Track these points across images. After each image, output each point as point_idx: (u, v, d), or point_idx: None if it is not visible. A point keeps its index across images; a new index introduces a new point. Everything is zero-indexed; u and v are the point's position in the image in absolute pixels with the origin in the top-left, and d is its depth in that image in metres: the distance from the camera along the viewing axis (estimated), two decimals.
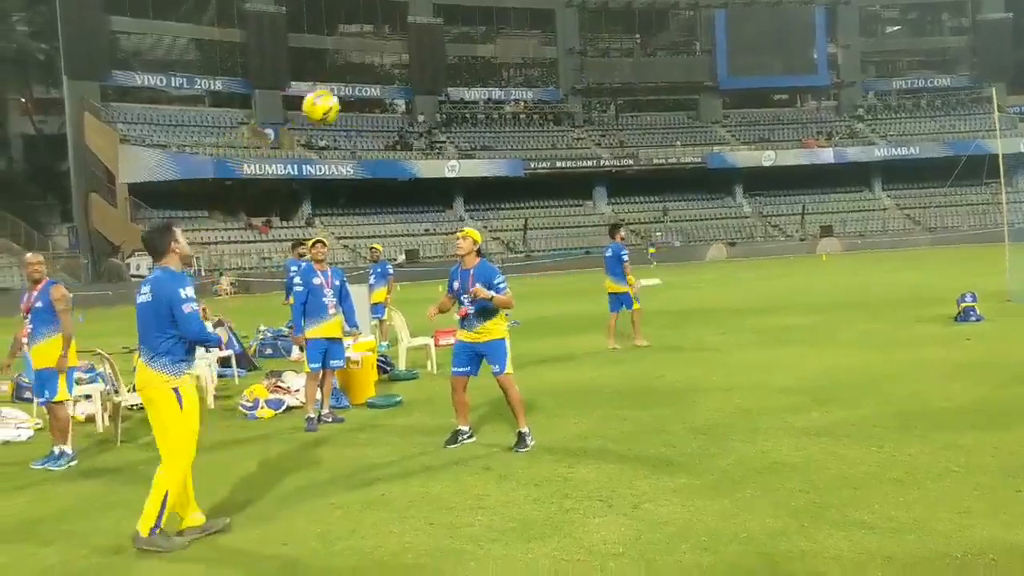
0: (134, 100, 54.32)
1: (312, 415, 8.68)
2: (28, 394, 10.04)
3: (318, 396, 8.87)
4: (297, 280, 8.89)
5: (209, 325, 12.09)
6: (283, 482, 6.70)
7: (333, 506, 5.95)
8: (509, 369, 7.31)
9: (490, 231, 55.04)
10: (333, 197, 52.75)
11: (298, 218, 52.43)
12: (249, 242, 47.99)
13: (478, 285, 7.14)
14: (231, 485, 6.71)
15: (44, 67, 58.76)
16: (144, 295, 5.49)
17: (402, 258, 46.55)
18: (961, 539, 4.71)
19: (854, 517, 5.13)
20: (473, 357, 7.39)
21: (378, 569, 4.78)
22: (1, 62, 58.99)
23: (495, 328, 7.35)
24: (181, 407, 5.40)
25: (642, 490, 5.88)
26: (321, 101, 7.63)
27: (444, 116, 60.86)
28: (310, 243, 9.24)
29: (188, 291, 5.42)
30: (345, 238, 50.20)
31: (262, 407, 9.40)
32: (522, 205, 57.18)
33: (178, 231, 5.65)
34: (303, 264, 12.89)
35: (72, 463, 7.64)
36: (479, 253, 7.48)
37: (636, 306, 13.23)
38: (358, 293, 12.72)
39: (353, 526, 5.52)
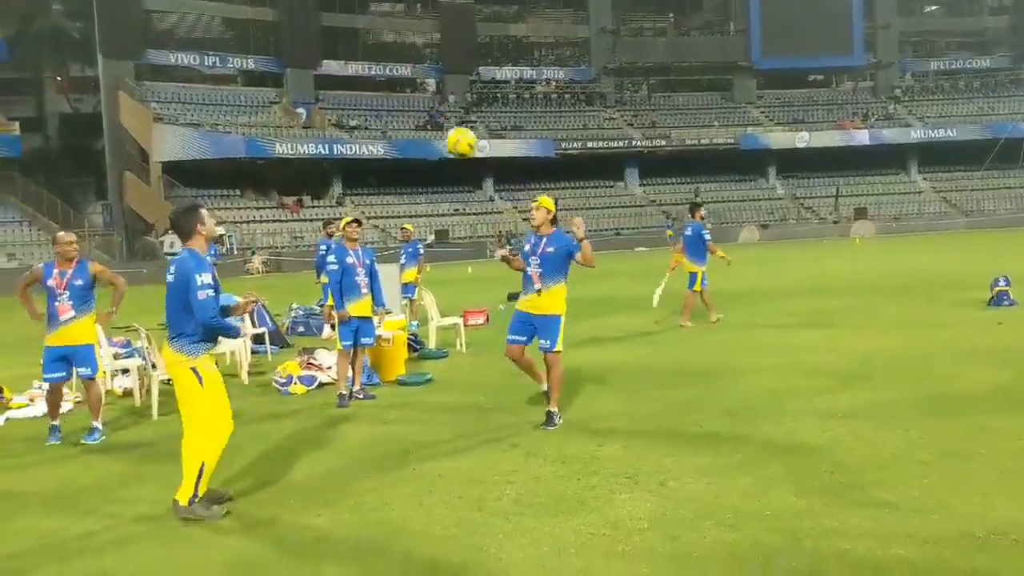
0: (168, 79, 54.80)
1: (344, 392, 8.83)
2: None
3: (349, 373, 9.00)
4: (331, 259, 8.99)
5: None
6: (315, 456, 6.83)
7: (365, 481, 6.07)
8: (559, 347, 7.38)
9: (519, 212, 55.05)
10: (363, 177, 52.97)
11: (329, 197, 52.71)
12: (280, 221, 48.36)
13: (577, 219, 7.49)
14: (265, 457, 6.87)
15: (79, 46, 59.28)
16: (170, 275, 5.63)
17: (431, 238, 46.70)
18: (984, 519, 4.74)
19: (878, 497, 5.18)
20: (527, 326, 7.51)
21: (408, 540, 4.89)
22: (37, 41, 59.58)
23: (553, 302, 7.43)
24: (202, 385, 5.53)
25: (668, 468, 5.95)
26: (464, 137, 8.03)
27: (475, 96, 60.81)
28: (344, 222, 9.30)
29: (204, 277, 5.48)
30: (375, 218, 50.42)
31: (295, 383, 9.56)
32: (552, 186, 56.98)
33: (204, 212, 5.74)
34: (333, 244, 13.11)
35: (103, 437, 7.81)
36: (554, 221, 7.63)
37: (698, 287, 13.55)
38: (389, 272, 12.85)
39: (384, 499, 5.64)
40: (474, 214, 53.46)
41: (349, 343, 8.87)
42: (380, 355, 9.95)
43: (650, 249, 46.75)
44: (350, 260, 8.98)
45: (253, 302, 6.05)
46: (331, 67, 57.75)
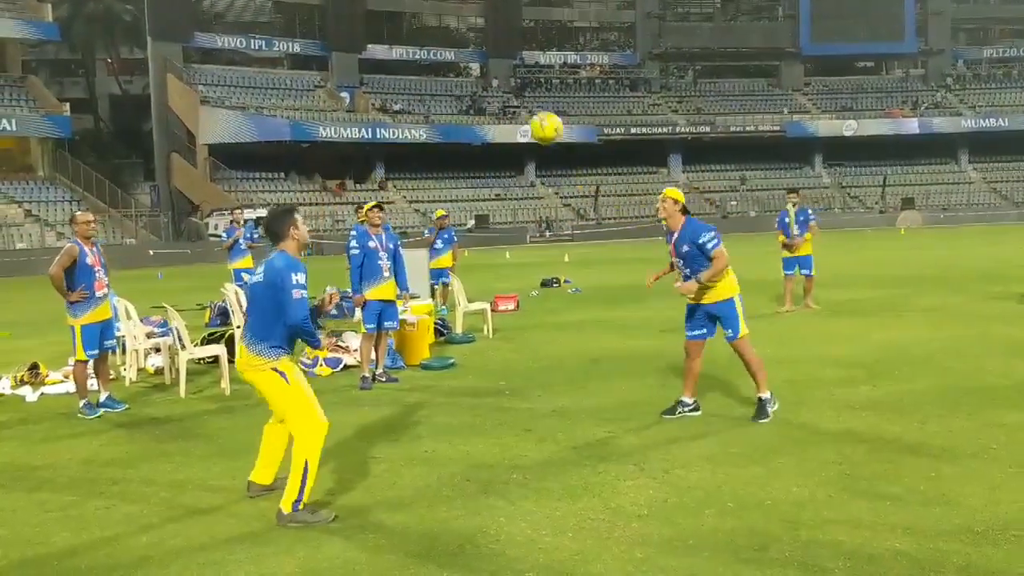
0: (215, 62, 55.49)
1: (367, 374, 8.97)
2: None
3: (373, 356, 9.14)
4: (353, 244, 9.13)
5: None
6: (332, 436, 6.90)
7: (378, 461, 6.19)
8: (743, 331, 6.95)
9: (560, 197, 55.06)
10: (406, 161, 53.21)
11: (371, 181, 53.07)
12: (323, 204, 48.80)
13: (681, 283, 6.93)
14: None
15: (130, 28, 60.27)
16: (257, 276, 5.38)
17: (472, 223, 46.84)
18: (986, 514, 4.72)
19: (882, 490, 5.17)
20: (704, 318, 7.05)
21: (411, 520, 4.98)
22: (90, 23, 60.65)
23: (721, 287, 6.93)
24: (288, 382, 5.28)
25: (676, 456, 5.99)
26: (548, 122, 7.83)
27: (518, 80, 60.77)
28: (366, 208, 9.43)
29: (300, 277, 5.17)
30: (417, 202, 50.71)
31: (320, 364, 9.72)
32: (594, 172, 56.91)
33: (299, 217, 5.44)
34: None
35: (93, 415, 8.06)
36: (684, 211, 7.06)
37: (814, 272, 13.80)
38: (417, 258, 12.97)
39: (394, 479, 5.75)
40: (515, 199, 53.50)
41: (372, 326, 9.01)
42: (405, 339, 10.07)
43: None
44: (372, 244, 9.09)
45: (336, 294, 5.79)
46: (375, 51, 58.05)
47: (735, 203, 55.62)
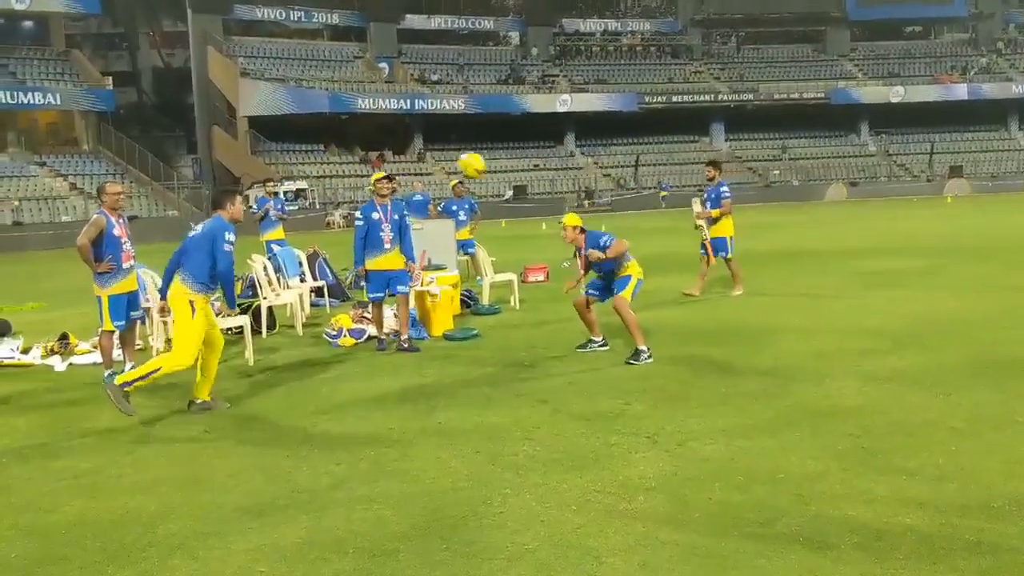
0: (255, 33, 55.68)
1: (382, 337, 9.31)
2: None
3: (390, 323, 9.45)
4: (358, 215, 9.27)
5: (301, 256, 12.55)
6: (346, 405, 6.98)
7: (391, 431, 6.18)
8: (624, 294, 8.13)
9: (600, 167, 54.70)
10: (444, 131, 53.12)
11: (410, 152, 53.12)
12: (362, 176, 48.86)
13: (591, 251, 8.17)
14: (296, 405, 7.07)
15: (171, 1, 60.59)
16: (195, 230, 7.05)
17: (510, 193, 46.72)
18: (1004, 490, 4.58)
19: (898, 464, 5.05)
20: (604, 287, 8.40)
21: (417, 490, 4.96)
22: None
23: (625, 267, 8.29)
24: (193, 315, 6.81)
25: (691, 428, 5.90)
26: (474, 160, 9.59)
27: (558, 48, 60.28)
28: (374, 178, 9.53)
29: (231, 236, 6.98)
30: (455, 173, 50.51)
31: (344, 336, 9.73)
32: (634, 141, 56.40)
33: (238, 197, 7.35)
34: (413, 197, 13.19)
35: None
36: (582, 231, 8.37)
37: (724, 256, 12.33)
38: (444, 228, 12.90)
39: (403, 450, 5.73)
40: (554, 169, 53.22)
41: (378, 295, 9.31)
42: (428, 310, 10.04)
43: (734, 206, 45.81)
44: (376, 216, 9.19)
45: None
46: (414, 21, 57.87)
47: (777, 172, 54.84)
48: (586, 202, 48.29)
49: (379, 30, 56.00)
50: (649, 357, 7.98)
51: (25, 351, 9.71)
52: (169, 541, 4.41)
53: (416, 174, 47.47)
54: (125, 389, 6.67)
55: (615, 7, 67.21)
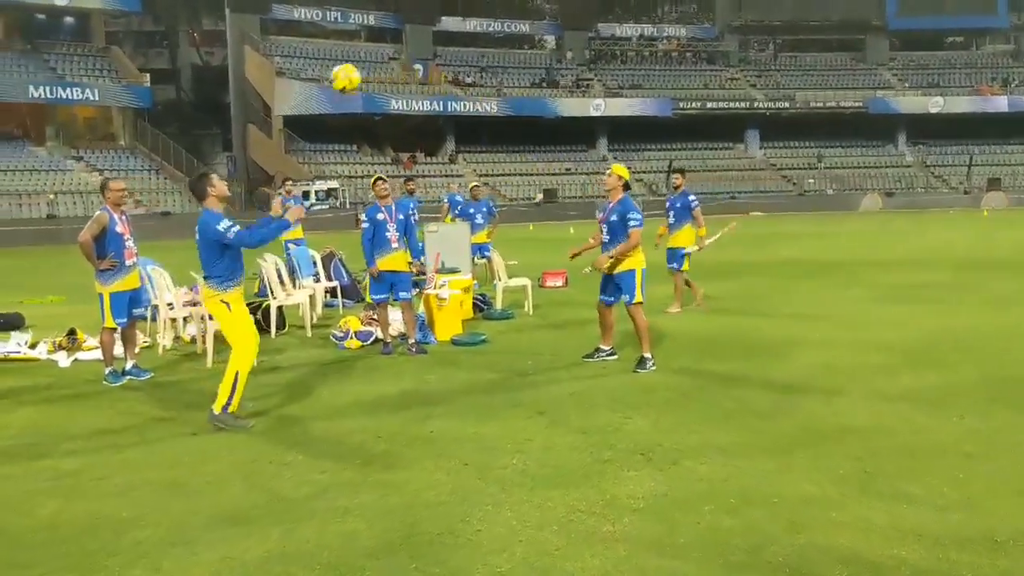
0: (292, 34, 55.91)
1: (387, 340, 9.25)
2: None
3: (397, 327, 9.43)
4: (362, 217, 9.20)
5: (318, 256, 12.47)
6: (342, 411, 6.84)
7: (380, 440, 6.03)
8: (637, 299, 7.90)
9: (633, 172, 54.07)
10: (477, 134, 53.05)
11: (442, 154, 53.07)
12: (394, 176, 48.86)
13: (601, 257, 8.01)
14: (290, 410, 6.96)
15: (211, 0, 61.08)
16: (197, 234, 6.61)
17: (539, 197, 46.53)
18: (1012, 522, 4.33)
19: (901, 490, 4.81)
20: (612, 287, 8.10)
21: (397, 504, 4.79)
22: None
23: (627, 261, 7.95)
24: (230, 311, 6.61)
25: (689, 445, 5.69)
26: (344, 75, 8.16)
27: (593, 53, 60.03)
28: (372, 181, 9.46)
29: (224, 223, 6.47)
30: (486, 175, 50.52)
31: (351, 338, 9.61)
32: (668, 146, 55.98)
33: (214, 176, 6.81)
34: (411, 202, 13.15)
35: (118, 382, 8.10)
36: (626, 187, 8.18)
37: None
38: (459, 231, 12.76)
39: (391, 460, 5.58)
40: (586, 174, 52.85)
41: (381, 296, 9.20)
42: (436, 314, 9.89)
43: (767, 214, 45.37)
44: (380, 216, 9.14)
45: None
46: (449, 23, 57.85)
47: (812, 181, 54.18)
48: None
49: (415, 32, 56.07)
50: (653, 365, 7.88)
51: (33, 345, 9.68)
52: (135, 550, 4.29)
53: (447, 175, 47.47)
54: (228, 411, 6.43)
55: (652, 12, 66.77)
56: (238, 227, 6.51)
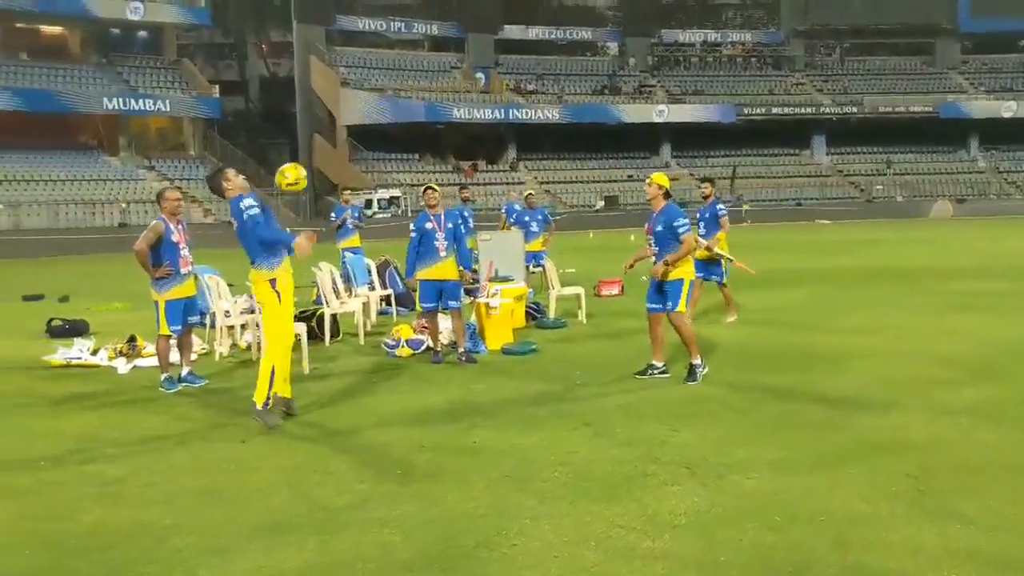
0: (356, 44, 56.61)
1: (438, 349, 9.23)
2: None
3: (447, 336, 9.43)
4: (411, 226, 9.23)
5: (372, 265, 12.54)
6: (387, 420, 6.84)
7: (423, 449, 6.00)
8: (680, 308, 7.79)
9: (696, 179, 53.71)
10: (538, 141, 53.08)
11: (503, 162, 53.21)
12: (455, 185, 49.15)
13: (656, 266, 7.87)
14: (340, 415, 7.01)
15: (278, 12, 62.13)
16: (233, 225, 6.87)
17: (601, 204, 46.33)
18: None
19: (955, 508, 4.62)
20: (658, 294, 7.95)
21: (436, 515, 4.76)
22: (244, 7, 63.00)
23: (679, 269, 7.83)
24: (280, 300, 6.76)
25: (736, 459, 5.55)
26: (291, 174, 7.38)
27: (656, 59, 59.70)
28: (422, 190, 9.43)
29: (246, 202, 6.73)
30: (548, 183, 50.54)
31: (402, 346, 9.62)
32: (732, 153, 55.33)
33: (229, 171, 7.04)
34: (460, 210, 13.18)
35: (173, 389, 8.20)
36: (667, 196, 8.03)
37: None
38: (513, 239, 12.73)
39: (433, 470, 5.55)
40: None
41: (430, 305, 9.20)
42: (487, 323, 9.87)
43: (833, 222, 44.52)
44: (429, 225, 9.13)
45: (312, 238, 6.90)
46: (512, 32, 58.03)
47: (881, 187, 53.07)
48: None
49: (477, 41, 56.36)
50: (705, 369, 7.81)
51: (94, 352, 9.88)
52: (173, 558, 4.32)
53: (508, 183, 47.53)
54: (268, 407, 6.66)
55: (716, 18, 66.14)
56: (258, 212, 6.69)
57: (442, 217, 9.20)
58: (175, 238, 8.28)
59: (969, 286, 14.45)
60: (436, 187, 9.49)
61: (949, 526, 4.41)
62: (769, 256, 22.39)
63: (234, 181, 6.90)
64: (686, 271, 7.90)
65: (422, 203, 9.55)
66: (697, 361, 7.79)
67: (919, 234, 32.16)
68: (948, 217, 47.41)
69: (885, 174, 54.48)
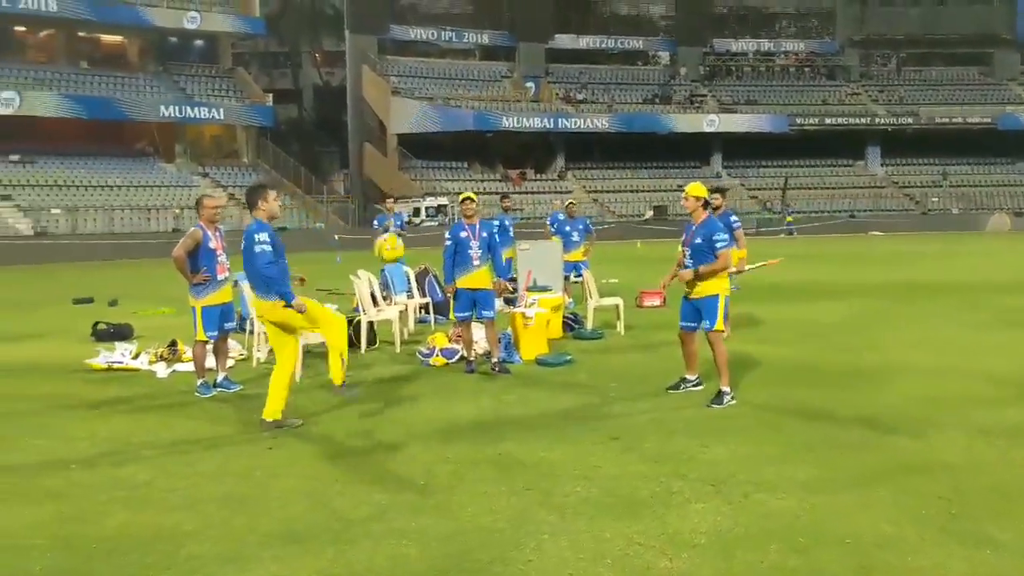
0: (408, 53, 57.06)
1: (471, 358, 9.19)
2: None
3: (481, 345, 9.37)
4: (447, 235, 9.24)
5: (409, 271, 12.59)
6: (415, 430, 6.81)
7: (447, 461, 5.97)
8: (719, 326, 7.49)
9: (747, 189, 53.30)
10: (587, 150, 52.97)
11: (551, 171, 53.15)
12: (501, 193, 49.23)
13: (684, 271, 7.63)
14: (368, 424, 7.01)
15: (332, 22, 62.96)
16: (243, 244, 6.89)
17: (650, 214, 46.06)
18: None
19: (986, 533, 4.47)
20: (693, 312, 7.71)
21: (455, 528, 4.72)
22: (296, 17, 63.96)
23: (709, 284, 7.55)
24: (291, 302, 6.77)
25: (764, 478, 5.43)
26: None
27: (708, 68, 59.32)
28: (460, 199, 9.41)
29: (263, 236, 6.81)
30: (596, 192, 50.41)
31: (437, 355, 9.62)
32: (784, 163, 54.69)
33: (271, 193, 7.08)
34: (502, 219, 13.18)
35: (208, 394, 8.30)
36: (705, 206, 7.79)
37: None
38: (551, 249, 12.66)
39: (455, 482, 5.52)
40: None
41: (465, 314, 9.17)
42: (522, 333, 9.82)
43: (886, 233, 43.77)
44: (463, 234, 9.15)
45: (301, 280, 7.37)
46: (562, 41, 58.04)
47: (936, 200, 52.05)
48: None
49: (528, 50, 56.47)
50: (732, 399, 7.38)
51: (135, 356, 10.02)
52: (189, 564, 4.33)
53: (556, 192, 47.50)
54: (347, 383, 7.28)
55: (770, 27, 65.49)
56: (270, 251, 6.78)
57: (477, 227, 9.22)
58: (212, 245, 8.36)
59: (1019, 301, 14.07)
60: (474, 197, 9.47)
61: (978, 552, 4.27)
62: (816, 268, 22.07)
63: (270, 205, 7.00)
64: (722, 286, 7.59)
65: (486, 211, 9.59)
66: (727, 388, 7.45)
67: (974, 247, 31.46)
68: (1006, 231, 46.37)
69: (941, 186, 53.45)
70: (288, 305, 6.79)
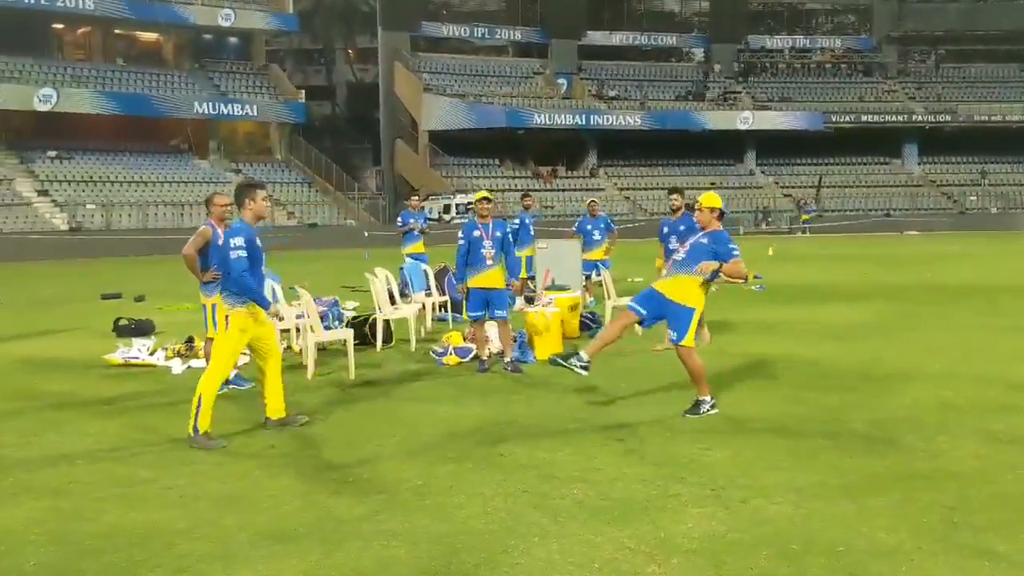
0: (440, 50, 57.17)
1: (484, 357, 9.19)
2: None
3: (493, 344, 9.37)
4: (460, 234, 9.25)
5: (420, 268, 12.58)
6: (419, 429, 6.81)
7: (447, 461, 5.95)
8: (687, 342, 6.93)
9: (781, 187, 52.80)
10: (619, 147, 52.70)
11: (583, 168, 52.98)
12: (533, 190, 49.15)
13: (705, 263, 6.93)
14: (374, 422, 7.00)
15: (365, 19, 63.20)
16: (220, 241, 7.05)
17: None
18: None
19: (987, 545, 4.37)
20: (656, 305, 7.10)
21: (446, 530, 4.70)
22: (329, 14, 64.36)
23: (690, 294, 6.98)
24: (227, 330, 6.68)
25: (764, 483, 5.36)
26: None
27: (742, 65, 58.79)
28: (476, 198, 9.38)
29: (238, 240, 6.62)
30: (627, 189, 50.19)
31: (450, 354, 9.61)
32: (819, 161, 54.11)
33: (260, 192, 6.85)
34: (523, 217, 13.15)
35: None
36: (721, 216, 7.26)
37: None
38: (569, 248, 12.61)
39: (452, 483, 5.49)
40: (732, 188, 51.63)
41: (478, 314, 9.18)
42: (536, 332, 9.78)
43: (922, 233, 43.14)
44: (477, 234, 9.16)
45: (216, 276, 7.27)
46: (595, 37, 57.83)
47: (975, 198, 51.24)
48: (763, 223, 46.77)
49: (560, 46, 56.33)
50: (712, 409, 6.97)
51: (152, 352, 10.11)
52: (177, 563, 4.35)
53: (588, 189, 47.38)
54: (200, 434, 6.44)
55: (806, 24, 64.81)
56: (246, 256, 6.57)
57: (490, 226, 9.23)
58: (221, 242, 8.38)
59: None
60: (491, 196, 9.45)
61: (976, 564, 4.17)
62: (843, 268, 21.80)
63: (258, 205, 6.81)
64: (698, 299, 7.03)
65: (513, 208, 9.57)
66: (706, 397, 7.01)
67: (1011, 247, 30.91)
68: None
69: (980, 185, 52.59)
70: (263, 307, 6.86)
